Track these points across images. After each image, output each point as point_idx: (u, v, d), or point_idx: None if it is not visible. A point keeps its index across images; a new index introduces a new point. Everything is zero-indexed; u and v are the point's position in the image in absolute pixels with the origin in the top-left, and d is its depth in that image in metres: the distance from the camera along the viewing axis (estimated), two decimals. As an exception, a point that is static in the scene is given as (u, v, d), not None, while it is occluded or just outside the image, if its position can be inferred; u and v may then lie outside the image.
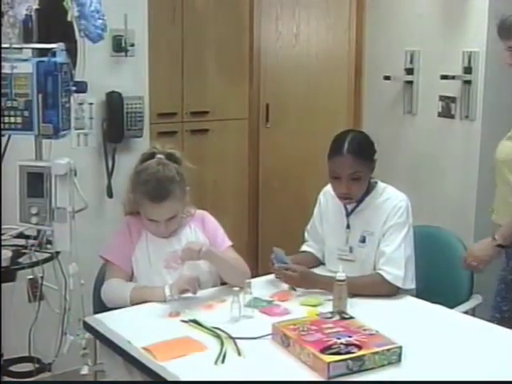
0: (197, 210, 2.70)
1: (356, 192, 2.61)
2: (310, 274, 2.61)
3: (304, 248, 2.87)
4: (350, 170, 2.55)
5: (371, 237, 2.62)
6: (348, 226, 2.67)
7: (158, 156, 2.58)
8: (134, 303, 2.44)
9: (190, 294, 2.45)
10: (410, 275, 2.55)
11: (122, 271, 2.55)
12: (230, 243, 2.69)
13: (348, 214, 2.68)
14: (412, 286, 2.56)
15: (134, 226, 2.60)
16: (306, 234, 2.88)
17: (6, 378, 2.81)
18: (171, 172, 2.54)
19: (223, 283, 2.61)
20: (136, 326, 2.27)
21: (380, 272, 2.54)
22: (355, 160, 2.55)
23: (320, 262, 2.83)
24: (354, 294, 2.42)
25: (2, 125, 2.33)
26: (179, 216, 2.57)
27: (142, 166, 2.56)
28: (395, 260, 2.54)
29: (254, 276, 2.70)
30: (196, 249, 2.43)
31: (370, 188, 2.64)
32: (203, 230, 2.66)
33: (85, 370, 2.40)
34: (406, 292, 2.56)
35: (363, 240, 2.63)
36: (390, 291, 2.52)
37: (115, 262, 2.56)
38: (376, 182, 2.67)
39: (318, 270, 2.74)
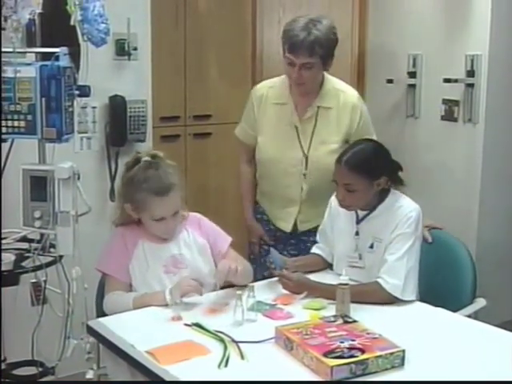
0: (190, 213, 2.69)
1: (351, 203, 2.60)
2: (305, 281, 2.61)
3: (314, 250, 2.86)
4: (343, 180, 2.57)
5: (379, 243, 2.61)
6: (357, 233, 2.66)
7: (144, 159, 2.56)
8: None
9: (194, 297, 2.44)
10: (411, 287, 2.53)
11: (121, 283, 2.53)
12: (230, 239, 2.71)
13: (358, 221, 2.66)
14: (412, 297, 2.53)
15: (129, 236, 2.58)
16: (317, 236, 2.88)
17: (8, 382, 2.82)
18: (165, 166, 2.55)
19: (223, 286, 2.62)
20: (139, 330, 2.27)
21: (379, 280, 2.53)
22: (350, 173, 2.54)
23: (329, 265, 2.82)
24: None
25: (6, 129, 2.33)
26: (180, 212, 2.58)
27: (134, 170, 2.55)
28: (396, 269, 2.52)
29: (256, 280, 2.70)
30: (233, 268, 2.45)
31: (382, 197, 2.62)
32: (200, 233, 2.65)
33: (90, 375, 2.40)
34: (409, 301, 2.53)
35: (371, 246, 2.63)
36: (387, 300, 2.50)
37: (113, 275, 2.54)
38: (389, 191, 2.64)
39: (324, 274, 2.75)
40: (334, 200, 2.76)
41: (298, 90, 2.98)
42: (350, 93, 3.05)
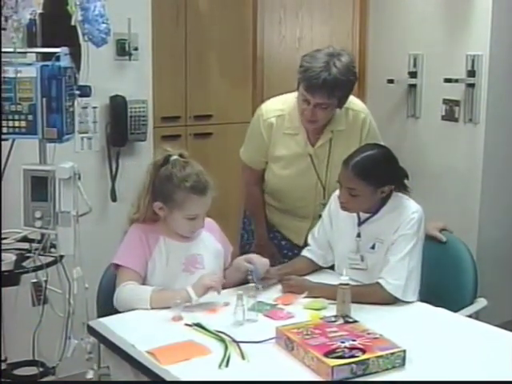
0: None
1: (353, 206, 2.60)
2: (306, 281, 2.62)
3: (304, 253, 2.84)
4: (348, 184, 2.55)
5: (381, 244, 2.60)
6: (359, 235, 2.65)
7: (174, 157, 2.54)
8: (154, 306, 2.40)
9: (211, 294, 2.44)
10: (412, 288, 2.52)
11: (135, 274, 2.48)
12: (232, 248, 2.76)
13: (360, 223, 2.65)
14: (413, 298, 2.53)
15: (150, 231, 2.54)
16: (309, 238, 2.86)
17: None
18: (196, 165, 2.55)
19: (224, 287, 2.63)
20: (140, 330, 2.27)
21: (380, 281, 2.52)
22: (355, 178, 2.53)
23: (320, 268, 2.80)
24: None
25: (7, 129, 2.34)
26: None
27: (169, 169, 2.51)
28: (397, 270, 2.52)
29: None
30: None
31: (385, 199, 2.61)
32: (216, 239, 2.66)
33: (90, 375, 2.40)
34: (407, 303, 2.53)
35: (373, 246, 2.62)
36: (388, 301, 2.50)
37: (129, 266, 2.48)
38: (391, 193, 2.63)
39: (324, 274, 2.75)
40: (333, 199, 2.75)
41: (309, 126, 2.90)
42: (358, 108, 2.97)
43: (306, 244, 2.95)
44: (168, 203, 2.51)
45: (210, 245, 2.62)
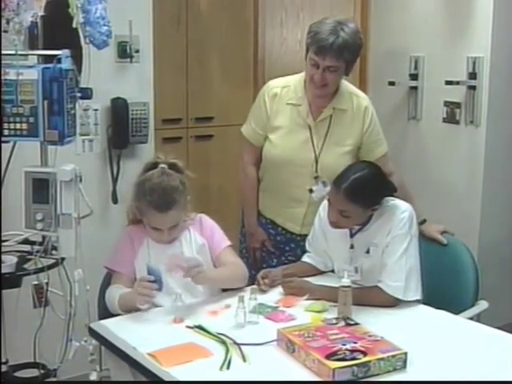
0: (198, 215, 2.72)
1: (344, 225, 2.60)
2: (307, 283, 2.62)
3: (304, 259, 2.85)
4: (339, 206, 2.54)
5: (375, 248, 2.60)
6: (352, 247, 2.65)
7: (161, 166, 2.60)
8: (122, 309, 2.46)
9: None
10: (413, 286, 2.53)
11: (124, 276, 2.57)
12: (228, 243, 2.71)
13: (352, 235, 2.65)
14: (416, 296, 2.53)
15: (136, 234, 2.62)
16: (307, 245, 2.86)
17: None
18: (175, 182, 2.57)
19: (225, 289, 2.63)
20: (141, 332, 2.27)
21: (380, 285, 2.53)
22: (347, 201, 2.51)
23: (322, 272, 2.81)
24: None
25: (8, 131, 2.34)
26: (181, 224, 2.60)
27: (146, 176, 2.58)
28: (395, 272, 2.52)
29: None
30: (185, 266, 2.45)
31: (374, 208, 2.61)
32: (201, 233, 2.68)
33: (93, 376, 2.40)
34: (411, 303, 2.53)
35: (368, 251, 2.62)
36: (390, 303, 2.51)
37: (117, 270, 2.59)
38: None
39: (326, 277, 2.76)
40: (322, 210, 2.76)
41: (318, 92, 2.92)
42: (362, 96, 3.04)
43: (302, 233, 2.98)
44: (138, 209, 2.59)
45: (192, 241, 2.64)
